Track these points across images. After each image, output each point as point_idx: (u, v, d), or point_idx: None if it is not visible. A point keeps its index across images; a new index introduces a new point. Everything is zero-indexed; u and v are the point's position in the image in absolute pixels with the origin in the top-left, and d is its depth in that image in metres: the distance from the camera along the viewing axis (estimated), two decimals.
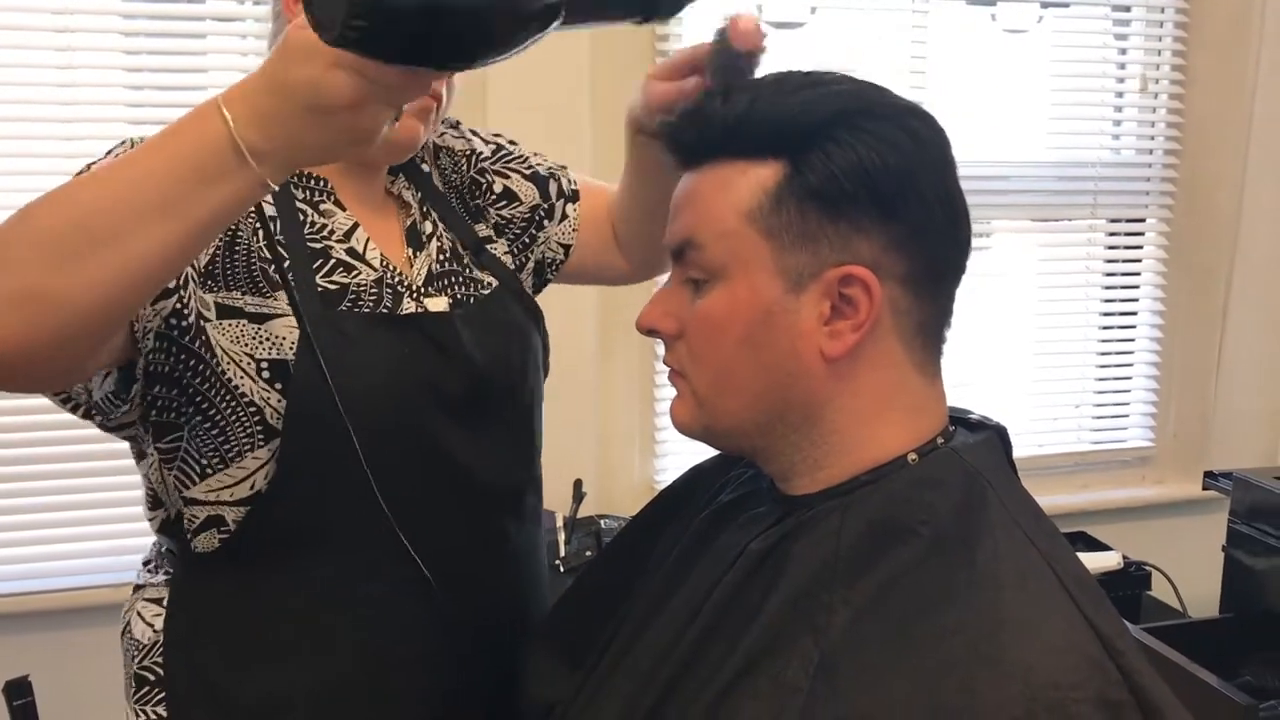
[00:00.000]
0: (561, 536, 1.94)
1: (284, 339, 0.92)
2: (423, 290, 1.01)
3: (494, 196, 1.14)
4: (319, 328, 0.92)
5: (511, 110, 1.93)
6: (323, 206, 0.99)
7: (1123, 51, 2.49)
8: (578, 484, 2.03)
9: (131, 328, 0.84)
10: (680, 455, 2.25)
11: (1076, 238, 2.52)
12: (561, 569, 1.87)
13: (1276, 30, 2.39)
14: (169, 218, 0.70)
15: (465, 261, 1.07)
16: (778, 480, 0.83)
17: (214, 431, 0.92)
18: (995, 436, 0.82)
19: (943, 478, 0.76)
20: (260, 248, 0.93)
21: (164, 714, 0.99)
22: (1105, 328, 2.55)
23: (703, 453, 0.95)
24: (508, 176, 1.15)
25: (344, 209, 1.00)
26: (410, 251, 1.03)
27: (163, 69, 1.92)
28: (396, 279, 1.00)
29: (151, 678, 0.99)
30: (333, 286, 0.96)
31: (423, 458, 0.97)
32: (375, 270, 0.99)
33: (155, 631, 1.00)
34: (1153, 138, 2.50)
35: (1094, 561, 2.08)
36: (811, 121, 0.74)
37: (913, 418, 0.79)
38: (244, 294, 0.92)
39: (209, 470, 0.93)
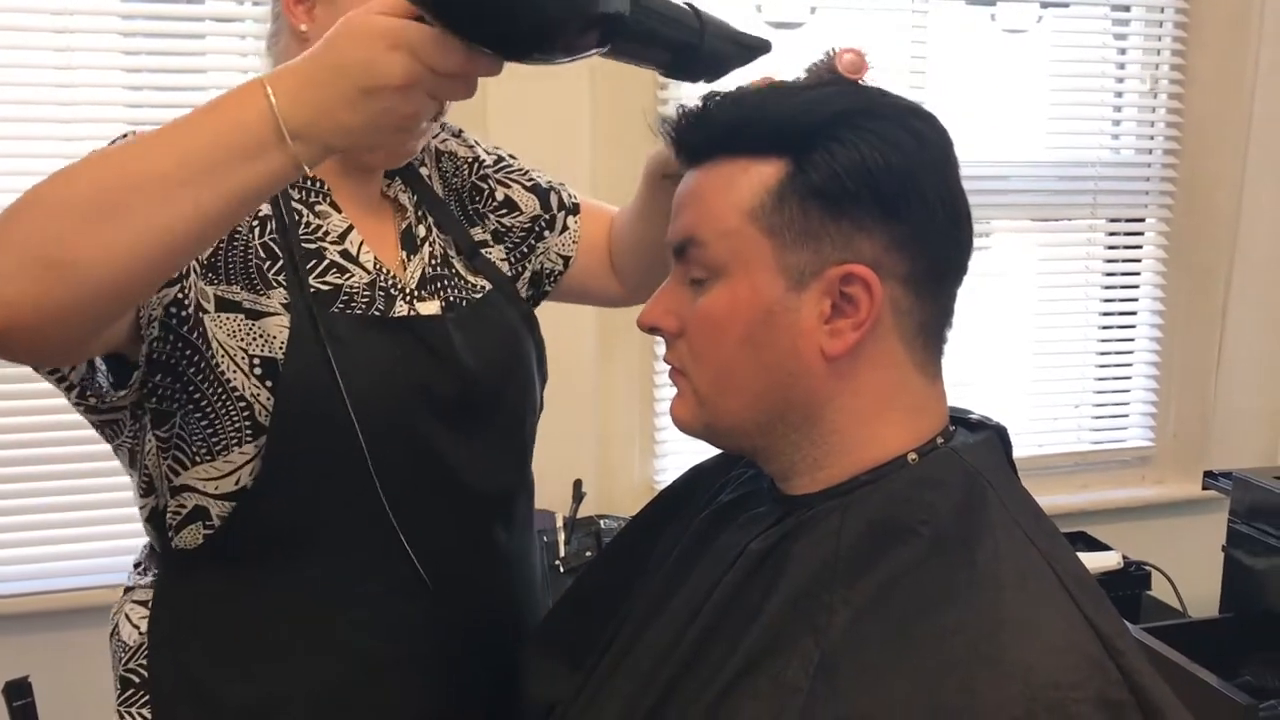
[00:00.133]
0: (561, 536, 1.94)
1: (275, 337, 0.92)
2: (415, 293, 1.01)
3: (495, 204, 1.14)
4: (311, 328, 0.92)
5: (511, 123, 1.93)
6: (318, 208, 0.99)
7: (1122, 51, 2.49)
8: (578, 484, 2.03)
9: (137, 313, 0.84)
10: (680, 455, 2.25)
11: (1076, 237, 2.52)
12: (561, 569, 1.87)
13: (1276, 30, 2.39)
14: (199, 190, 0.70)
15: (459, 265, 1.07)
16: (778, 480, 0.83)
17: (204, 422, 0.92)
18: (995, 436, 0.82)
19: (943, 478, 0.76)
20: (257, 246, 0.94)
21: (149, 715, 0.98)
22: (1105, 327, 2.55)
23: (703, 452, 0.95)
24: (509, 186, 1.15)
25: (339, 211, 1.00)
26: (404, 254, 1.03)
27: (161, 69, 1.92)
28: (389, 282, 1.00)
29: (136, 679, 0.99)
30: (325, 287, 0.96)
31: (414, 460, 0.97)
32: (368, 273, 0.99)
33: (140, 634, 1.00)
34: (1152, 137, 2.50)
35: (1094, 561, 2.08)
36: (814, 120, 0.74)
37: (913, 417, 0.79)
38: (242, 289, 0.92)
39: (197, 459, 0.93)
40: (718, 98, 0.79)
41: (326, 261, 0.97)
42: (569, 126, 2.05)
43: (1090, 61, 2.46)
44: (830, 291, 0.74)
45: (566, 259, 1.18)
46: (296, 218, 0.97)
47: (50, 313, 0.69)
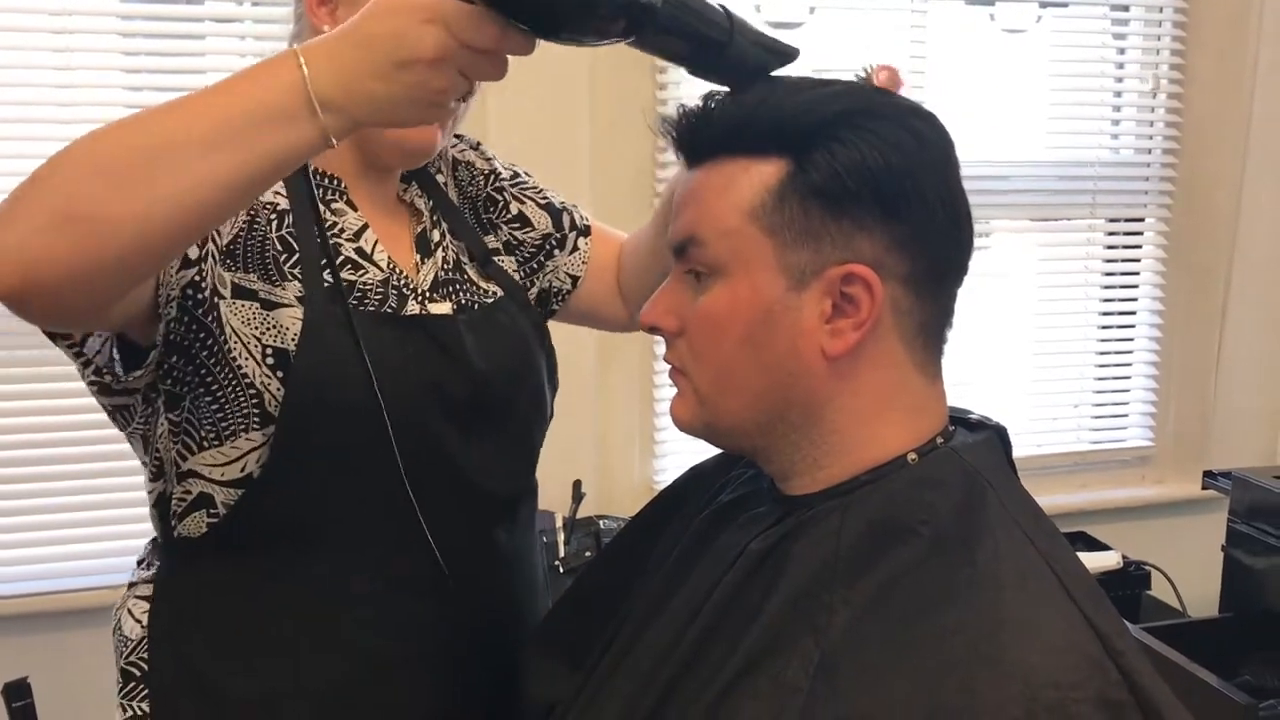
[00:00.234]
0: (561, 537, 1.94)
1: (288, 329, 0.93)
2: (428, 295, 1.02)
3: (508, 216, 1.15)
4: (325, 321, 0.93)
5: (511, 123, 1.93)
6: (335, 205, 1.01)
7: (1121, 51, 2.49)
8: (577, 484, 2.03)
9: (155, 293, 0.85)
10: (680, 455, 2.25)
11: (1076, 237, 2.52)
12: (561, 569, 1.87)
13: (1275, 30, 2.39)
14: (227, 154, 0.71)
15: (471, 271, 1.08)
16: (778, 480, 0.83)
17: (214, 406, 0.92)
18: (995, 436, 0.82)
19: (943, 478, 0.76)
20: (274, 238, 0.95)
21: (147, 709, 0.99)
22: (1104, 327, 2.55)
23: (703, 453, 0.95)
24: (523, 202, 1.16)
25: (355, 209, 1.02)
26: (418, 257, 1.05)
27: (161, 70, 1.92)
28: (402, 281, 1.01)
29: (136, 673, 1.00)
30: (342, 281, 0.97)
31: (424, 458, 0.97)
32: (382, 271, 1.00)
33: (142, 627, 1.00)
34: (1151, 137, 2.50)
35: (1094, 561, 2.08)
36: (815, 120, 0.74)
37: (913, 418, 0.79)
38: (258, 279, 0.93)
39: (205, 444, 0.94)
40: (718, 97, 0.79)
41: (341, 257, 0.98)
42: (568, 126, 2.05)
43: (1089, 61, 2.46)
44: (831, 291, 0.74)
45: (575, 279, 1.19)
46: (317, 213, 0.98)
47: (74, 271, 0.70)
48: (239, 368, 0.92)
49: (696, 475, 1.00)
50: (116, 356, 0.89)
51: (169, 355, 0.90)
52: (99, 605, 1.94)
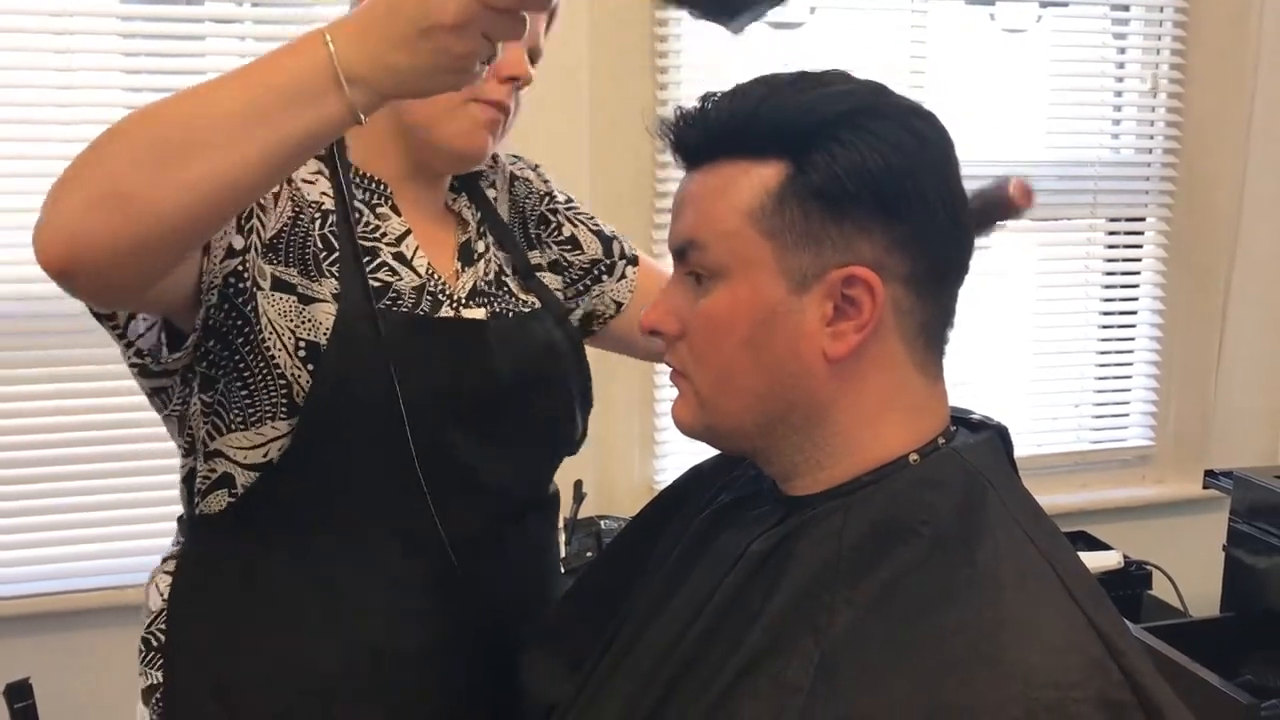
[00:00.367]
0: (561, 537, 1.94)
1: (321, 324, 0.95)
2: (463, 301, 1.04)
3: (560, 237, 1.17)
4: (358, 320, 0.96)
5: (511, 131, 1.92)
6: (379, 210, 1.03)
7: (1122, 51, 2.48)
8: (578, 484, 2.03)
9: (199, 279, 0.89)
10: (680, 456, 2.25)
11: (1076, 237, 2.52)
12: (562, 569, 1.86)
13: (1275, 29, 2.39)
14: (261, 132, 0.74)
15: (512, 284, 1.10)
16: (779, 481, 0.83)
17: (244, 392, 0.95)
18: (996, 437, 0.82)
19: (944, 478, 0.76)
20: (316, 236, 0.97)
21: (160, 679, 1.01)
22: (1105, 327, 2.55)
23: (703, 453, 0.95)
24: (576, 226, 1.19)
25: (399, 214, 1.04)
26: (459, 265, 1.06)
27: (161, 70, 1.92)
28: (439, 287, 1.03)
29: (154, 642, 1.03)
30: (375, 284, 0.99)
31: (438, 455, 0.98)
32: (420, 277, 1.02)
33: (163, 600, 1.03)
34: (1152, 137, 2.50)
35: (1094, 561, 2.08)
36: (814, 121, 0.74)
37: (914, 418, 0.79)
38: (298, 274, 0.96)
39: (233, 427, 0.96)
40: (715, 98, 0.79)
41: (379, 260, 1.00)
42: (568, 126, 2.05)
43: (1090, 61, 2.46)
44: (832, 294, 0.74)
45: (619, 305, 1.21)
46: (357, 215, 1.00)
47: (116, 248, 0.74)
48: (271, 358, 0.94)
49: (697, 475, 1.00)
50: (164, 340, 0.93)
51: (207, 339, 0.93)
52: (101, 606, 1.94)
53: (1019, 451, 0.85)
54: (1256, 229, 2.47)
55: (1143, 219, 2.53)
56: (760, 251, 0.75)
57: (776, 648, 0.73)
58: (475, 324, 1.03)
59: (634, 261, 1.23)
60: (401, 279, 1.01)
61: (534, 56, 1.05)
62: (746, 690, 0.73)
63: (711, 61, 2.19)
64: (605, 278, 1.20)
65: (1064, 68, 2.43)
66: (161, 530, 1.97)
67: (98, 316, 0.92)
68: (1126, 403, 2.59)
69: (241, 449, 0.96)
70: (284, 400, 0.95)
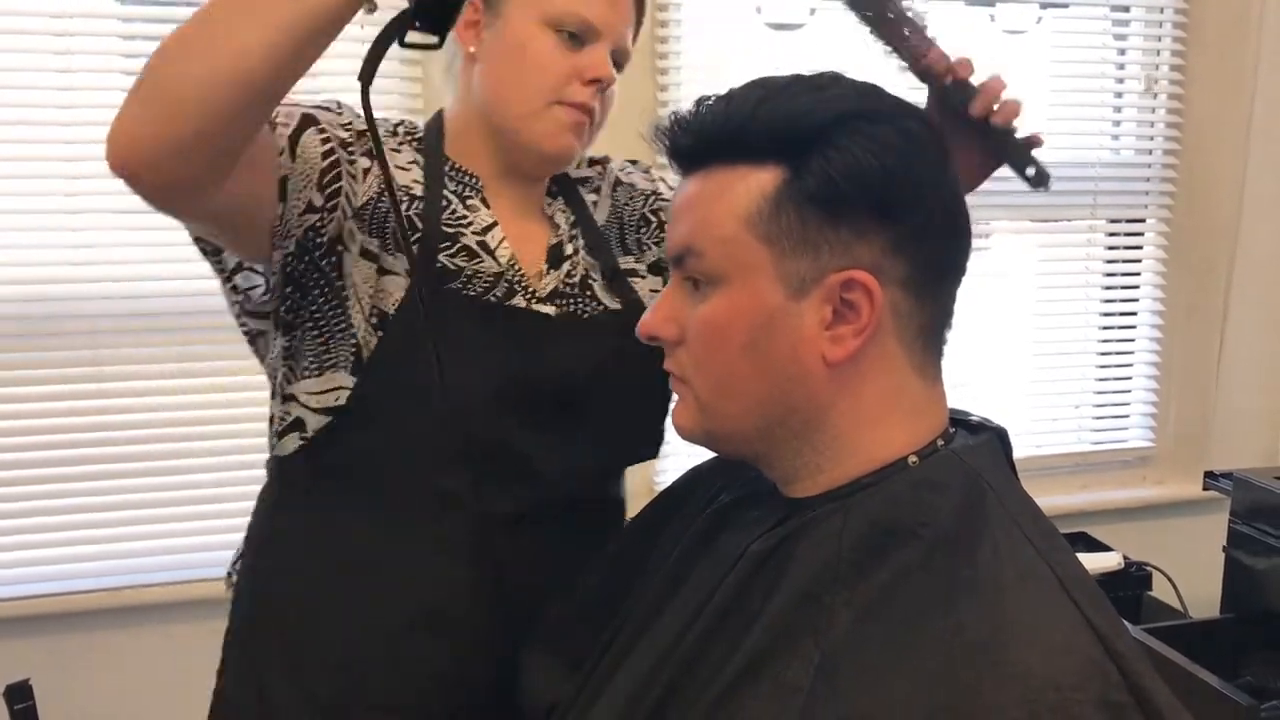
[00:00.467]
0: None
1: (392, 295, 1.02)
2: (541, 298, 1.08)
3: (661, 237, 1.18)
4: (422, 300, 1.01)
5: None
6: (469, 201, 1.08)
7: (1122, 52, 2.48)
8: None
9: (274, 223, 0.96)
10: (680, 457, 2.24)
11: (1076, 238, 2.52)
12: None
13: (1276, 29, 2.39)
14: (270, 20, 0.79)
15: (597, 287, 1.12)
16: (779, 483, 0.83)
17: (320, 339, 1.03)
18: (995, 438, 0.82)
19: (943, 480, 0.76)
20: (401, 216, 1.02)
21: (230, 610, 1.13)
22: (1105, 328, 2.55)
23: (703, 455, 0.95)
24: None
25: (488, 208, 1.08)
26: (546, 266, 1.10)
27: None
28: (517, 278, 1.07)
29: (233, 576, 1.15)
30: (451, 267, 1.04)
31: (486, 437, 1.03)
32: (499, 265, 1.07)
33: (244, 538, 1.14)
34: (1152, 138, 2.50)
35: (1094, 562, 2.08)
36: (809, 125, 0.74)
37: (913, 420, 0.79)
38: (379, 246, 1.02)
39: (306, 374, 1.04)
40: (709, 102, 0.78)
41: (459, 245, 1.05)
42: None
43: (1090, 62, 2.46)
44: (831, 298, 0.74)
45: None
46: (445, 203, 1.06)
47: (160, 142, 0.81)
48: (349, 316, 1.01)
49: (696, 476, 1.00)
50: (266, 284, 1.00)
51: (285, 286, 1.00)
52: (101, 607, 1.94)
53: (1019, 452, 0.85)
54: (1257, 229, 2.47)
55: (1143, 220, 2.53)
56: (758, 257, 0.75)
57: (776, 649, 0.73)
58: (540, 317, 1.07)
59: None
60: (482, 263, 1.05)
61: (620, 60, 1.08)
62: (747, 691, 0.73)
63: (712, 62, 2.19)
64: None
65: (1064, 69, 2.43)
66: (162, 531, 1.97)
67: (203, 253, 1.01)
68: (1127, 404, 2.59)
69: (311, 394, 1.04)
70: (352, 358, 1.02)
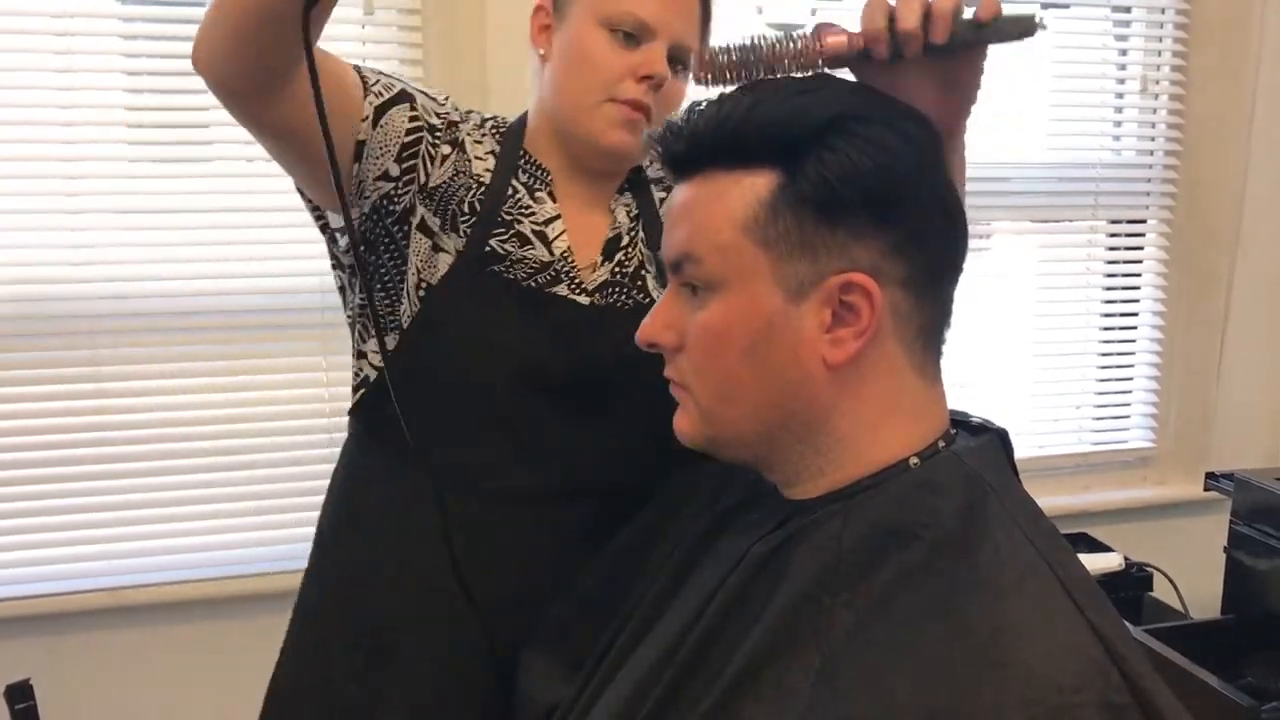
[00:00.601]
0: None
1: (438, 270, 1.08)
2: (588, 289, 1.11)
3: None
4: (463, 274, 1.07)
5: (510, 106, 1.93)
6: (537, 194, 1.12)
7: (1123, 52, 2.48)
8: None
9: (348, 181, 1.04)
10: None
11: (1077, 239, 2.52)
12: None
13: (1277, 29, 2.39)
14: None
15: (649, 280, 1.15)
16: (781, 486, 0.82)
17: (385, 302, 1.10)
18: (996, 440, 0.82)
19: (944, 481, 0.76)
20: (464, 201, 1.09)
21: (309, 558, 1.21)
22: (1106, 328, 2.55)
23: (704, 454, 0.94)
24: None
25: (554, 201, 1.13)
26: (600, 258, 1.13)
27: (162, 71, 1.92)
28: (566, 268, 1.11)
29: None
30: (500, 251, 1.08)
31: (517, 416, 1.08)
32: (551, 255, 1.10)
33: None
34: (1153, 138, 2.49)
35: (1095, 563, 2.08)
36: (803, 128, 0.74)
37: (914, 421, 0.78)
38: (439, 225, 1.08)
39: (369, 334, 1.12)
40: (701, 107, 0.78)
41: (513, 232, 1.10)
42: None
43: (1091, 63, 2.45)
44: (830, 301, 0.74)
45: None
46: (510, 192, 1.11)
47: (214, 49, 0.93)
48: (402, 283, 1.08)
49: (697, 476, 1.00)
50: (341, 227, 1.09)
51: (360, 245, 1.08)
52: (101, 607, 1.94)
53: (1020, 453, 0.85)
54: (1258, 230, 2.46)
55: (1144, 220, 2.53)
56: (756, 262, 0.75)
57: (778, 651, 0.73)
58: (574, 305, 1.10)
59: None
60: (533, 249, 1.09)
61: (682, 58, 1.09)
62: (748, 694, 0.73)
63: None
64: None
65: (1065, 69, 2.43)
66: (162, 530, 1.97)
67: (300, 193, 1.11)
68: (1127, 404, 2.59)
69: (375, 353, 1.12)
70: (399, 322, 1.09)
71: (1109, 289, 2.54)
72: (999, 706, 0.65)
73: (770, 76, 0.79)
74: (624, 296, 1.13)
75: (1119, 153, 2.51)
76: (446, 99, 1.14)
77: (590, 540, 1.07)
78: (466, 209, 1.09)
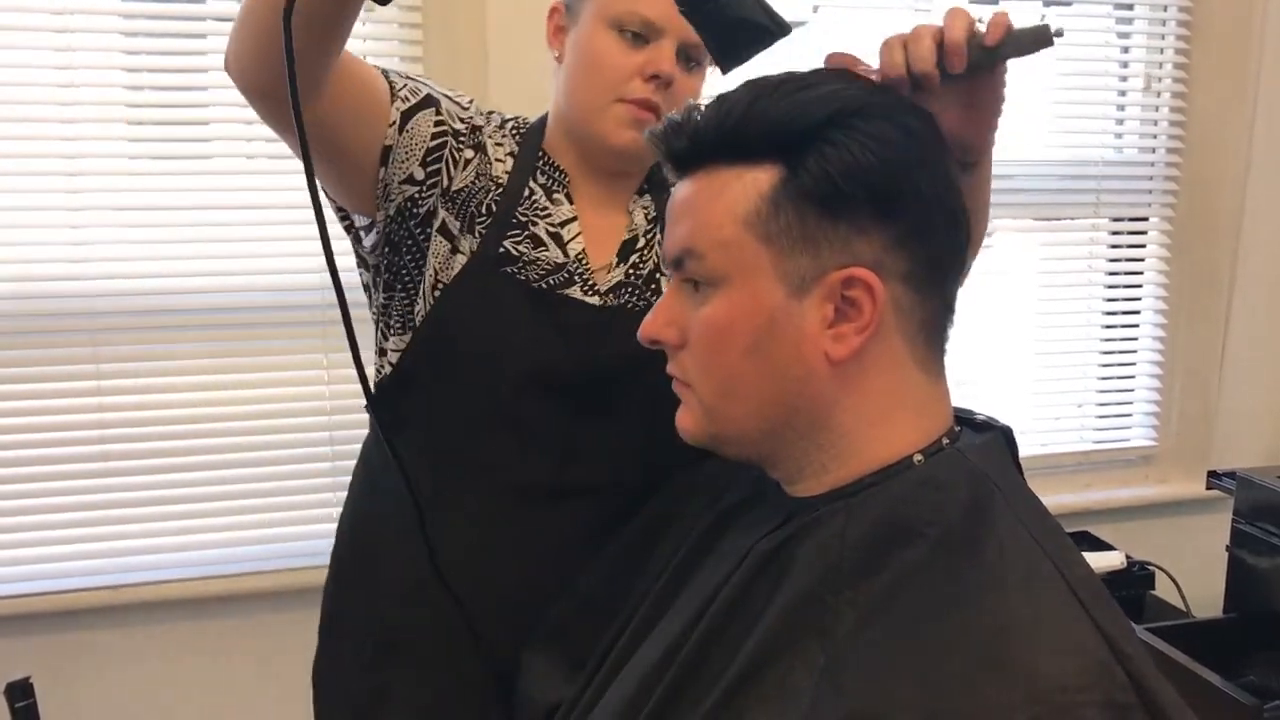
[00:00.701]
0: None
1: (454, 270, 1.09)
2: (600, 290, 1.12)
3: None
4: (475, 275, 1.08)
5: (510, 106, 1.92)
6: (554, 195, 1.13)
7: (1125, 50, 2.48)
8: None
9: (374, 185, 1.07)
10: None
11: (1079, 236, 2.52)
12: None
13: (1278, 29, 2.38)
14: None
15: (662, 280, 1.14)
16: (784, 483, 0.82)
17: (405, 301, 1.12)
18: (1001, 437, 0.82)
19: (948, 479, 0.75)
20: (482, 202, 1.10)
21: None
22: (1108, 326, 2.55)
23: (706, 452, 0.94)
24: None
25: (570, 203, 1.13)
26: (615, 260, 1.14)
27: (163, 69, 1.92)
28: (579, 270, 1.11)
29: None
30: (513, 252, 1.09)
31: (526, 415, 1.08)
32: (565, 257, 1.11)
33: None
34: (1155, 136, 2.49)
35: (1097, 561, 2.08)
36: (804, 123, 0.74)
37: (918, 418, 0.78)
38: (459, 228, 1.09)
39: (392, 331, 1.13)
40: (702, 105, 0.78)
41: (527, 233, 1.11)
42: None
43: (1093, 61, 2.45)
44: (832, 296, 0.74)
45: None
46: (527, 193, 1.12)
47: (243, 54, 0.95)
48: (421, 282, 1.10)
49: (698, 475, 0.99)
50: (368, 230, 1.11)
51: (383, 245, 1.11)
52: (100, 605, 1.94)
53: (1022, 451, 0.84)
54: (1259, 228, 2.46)
55: (1146, 218, 2.53)
56: (758, 257, 0.74)
57: (780, 650, 0.73)
58: (585, 306, 1.10)
59: None
60: (546, 251, 1.10)
61: (695, 55, 1.10)
62: (751, 692, 0.73)
63: (712, 62, 2.18)
64: None
65: (1067, 67, 2.43)
66: (162, 528, 1.97)
67: (331, 202, 1.12)
68: (1129, 402, 2.59)
69: (396, 351, 1.13)
70: (417, 320, 1.10)
71: (1111, 287, 2.54)
72: (1003, 705, 0.65)
73: None
74: (636, 298, 1.13)
75: (1121, 150, 2.51)
76: (471, 102, 1.15)
77: (593, 539, 1.07)
78: (484, 210, 1.10)
